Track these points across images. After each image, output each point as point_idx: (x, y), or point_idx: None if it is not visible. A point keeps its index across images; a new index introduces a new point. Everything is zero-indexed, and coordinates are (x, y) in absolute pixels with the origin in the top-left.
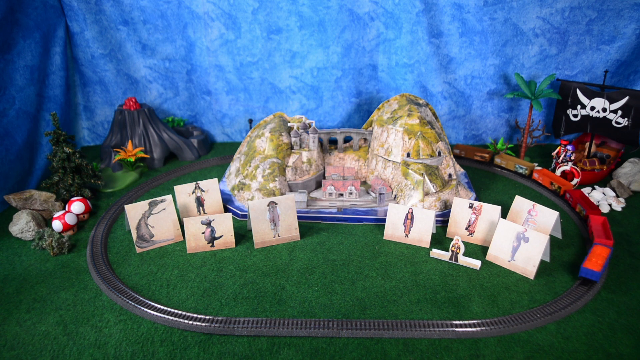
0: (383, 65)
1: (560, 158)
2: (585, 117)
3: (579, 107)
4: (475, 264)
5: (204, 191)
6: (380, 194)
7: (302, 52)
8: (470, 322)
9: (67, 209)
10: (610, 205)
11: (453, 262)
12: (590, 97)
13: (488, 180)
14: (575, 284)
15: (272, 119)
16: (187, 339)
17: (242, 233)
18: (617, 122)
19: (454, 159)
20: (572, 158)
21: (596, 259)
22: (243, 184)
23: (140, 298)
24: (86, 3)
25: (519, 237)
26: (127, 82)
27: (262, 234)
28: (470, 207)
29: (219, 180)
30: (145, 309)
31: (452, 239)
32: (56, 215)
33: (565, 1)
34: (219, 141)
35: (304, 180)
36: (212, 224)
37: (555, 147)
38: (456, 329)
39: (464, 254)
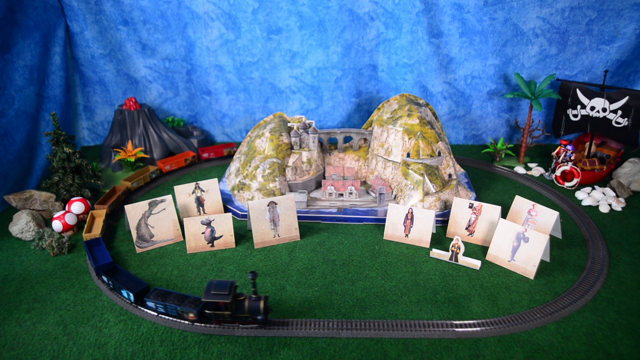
0: (383, 65)
1: (560, 158)
2: (585, 117)
3: (579, 107)
4: (475, 264)
5: (204, 191)
6: (380, 194)
7: (302, 52)
8: (470, 322)
9: (67, 209)
10: (610, 205)
11: (453, 262)
12: (590, 97)
13: (488, 180)
14: (575, 283)
15: (272, 119)
16: (187, 339)
17: (242, 233)
18: (617, 122)
19: (453, 159)
20: (572, 158)
21: None
22: (243, 184)
23: None
24: (86, 3)
25: (519, 237)
26: (127, 82)
27: (262, 234)
28: (470, 207)
29: (219, 180)
30: (145, 309)
31: (452, 239)
32: (56, 215)
33: (565, 1)
34: (219, 141)
35: (304, 180)
36: (212, 224)
37: (555, 147)
38: (456, 329)
39: (464, 254)
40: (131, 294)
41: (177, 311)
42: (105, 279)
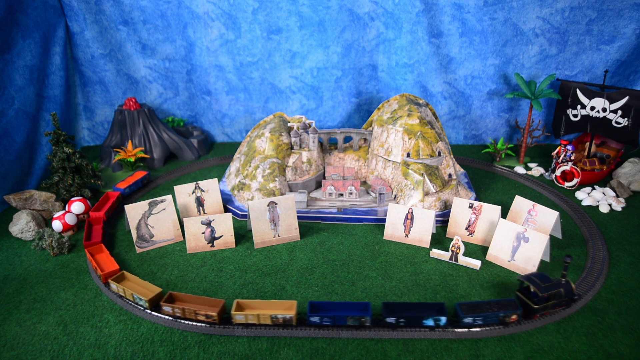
0: (383, 65)
1: (560, 158)
2: (585, 117)
3: (579, 107)
4: (475, 264)
5: (204, 191)
6: (380, 194)
7: (302, 52)
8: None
9: (67, 209)
10: (610, 205)
11: (453, 262)
12: (590, 97)
13: (488, 180)
14: (575, 283)
15: (272, 119)
16: (187, 339)
17: (242, 233)
18: (617, 122)
19: (453, 159)
20: (572, 158)
21: None
22: (243, 184)
23: None
24: (86, 3)
25: (519, 237)
26: (127, 82)
27: (262, 234)
28: (470, 207)
29: (219, 180)
30: (145, 309)
31: (452, 239)
32: (56, 215)
33: (565, 1)
34: (219, 141)
35: (304, 180)
36: (212, 224)
37: (555, 147)
38: (456, 329)
39: (464, 254)
40: (442, 319)
41: (499, 317)
42: (394, 320)
